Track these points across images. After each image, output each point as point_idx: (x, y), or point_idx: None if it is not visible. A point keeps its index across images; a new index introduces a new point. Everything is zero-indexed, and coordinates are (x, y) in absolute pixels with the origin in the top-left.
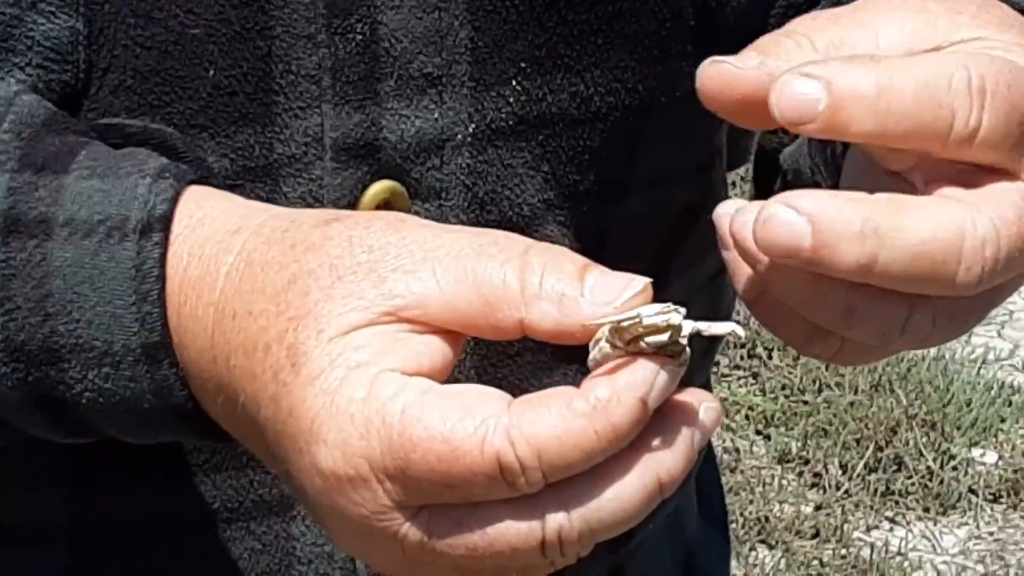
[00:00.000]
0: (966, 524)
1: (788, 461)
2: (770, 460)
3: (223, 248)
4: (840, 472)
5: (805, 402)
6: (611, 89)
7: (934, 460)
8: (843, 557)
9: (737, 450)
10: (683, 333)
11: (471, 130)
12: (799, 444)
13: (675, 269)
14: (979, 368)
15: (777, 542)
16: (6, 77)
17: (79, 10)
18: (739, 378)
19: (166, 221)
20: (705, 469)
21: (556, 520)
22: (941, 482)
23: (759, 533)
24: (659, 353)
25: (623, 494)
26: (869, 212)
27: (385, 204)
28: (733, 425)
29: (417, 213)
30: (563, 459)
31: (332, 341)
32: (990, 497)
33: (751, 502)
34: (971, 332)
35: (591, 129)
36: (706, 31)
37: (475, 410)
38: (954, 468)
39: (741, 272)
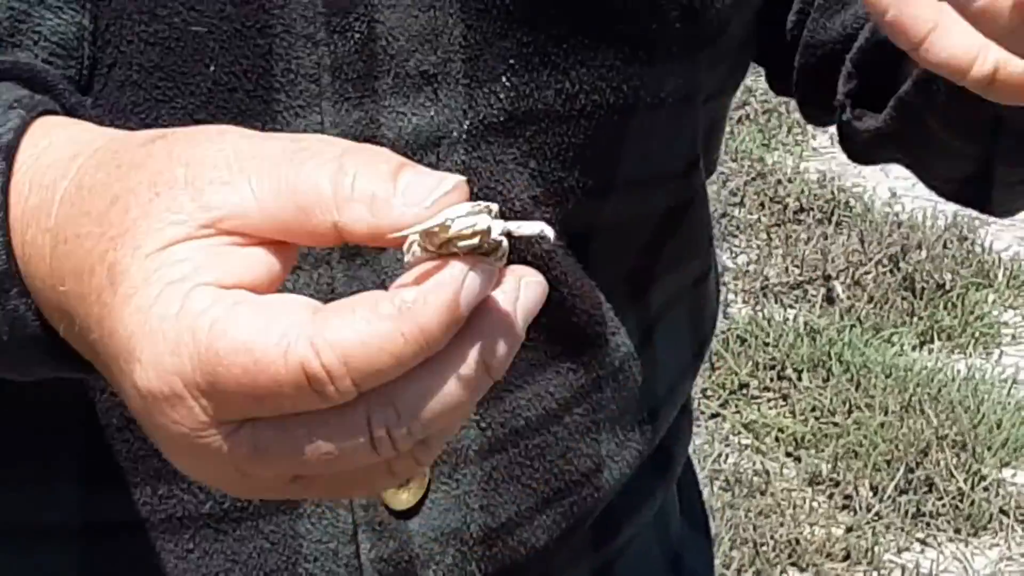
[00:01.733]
0: (997, 545)
1: (818, 483)
2: (800, 482)
3: (60, 174)
4: (871, 494)
5: (835, 423)
6: (596, 87)
7: (965, 481)
8: None
9: (767, 472)
10: (492, 236)
11: (465, 126)
12: (829, 466)
13: (660, 270)
14: (1010, 388)
15: (808, 565)
16: None
17: (85, 6)
18: (769, 400)
19: (10, 150)
20: (684, 472)
21: (382, 415)
22: (972, 503)
23: (790, 556)
24: (472, 253)
25: (448, 379)
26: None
27: None
28: (763, 447)
29: None
30: (371, 365)
31: (149, 257)
32: (1022, 518)
33: (781, 524)
34: (1002, 352)
35: (576, 126)
36: (691, 32)
37: (279, 319)
38: (985, 489)
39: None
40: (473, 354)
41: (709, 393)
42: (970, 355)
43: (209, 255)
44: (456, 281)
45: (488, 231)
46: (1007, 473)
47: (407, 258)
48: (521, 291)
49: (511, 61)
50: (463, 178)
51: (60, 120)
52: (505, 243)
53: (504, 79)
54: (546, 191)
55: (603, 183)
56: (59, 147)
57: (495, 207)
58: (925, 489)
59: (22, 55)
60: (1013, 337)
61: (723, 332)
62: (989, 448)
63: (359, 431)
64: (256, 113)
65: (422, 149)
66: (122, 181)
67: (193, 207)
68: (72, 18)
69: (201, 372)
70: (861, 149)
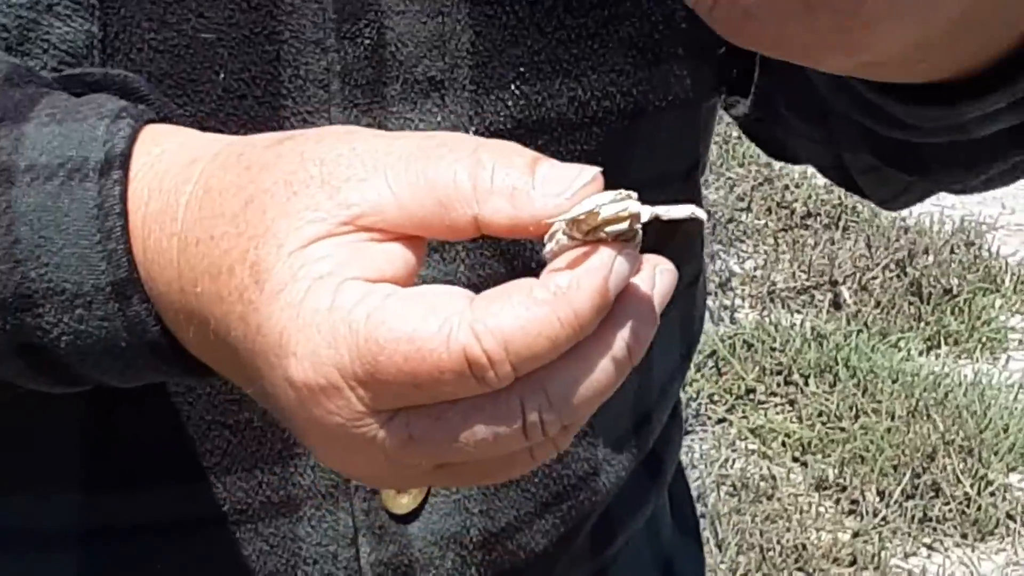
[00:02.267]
0: (1004, 550)
1: (825, 488)
2: (807, 487)
3: (182, 179)
4: (877, 499)
5: (842, 429)
6: (607, 93)
7: (971, 486)
8: None
9: (774, 477)
10: (642, 220)
11: (472, 133)
12: (836, 471)
13: None
14: (1016, 393)
15: (814, 570)
16: None
17: (94, 14)
18: (776, 405)
19: (125, 159)
20: (675, 479)
21: (535, 400)
22: (979, 508)
23: (796, 561)
24: (616, 240)
25: (595, 366)
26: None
27: None
28: (770, 452)
29: None
30: (529, 349)
31: (292, 255)
32: None
33: (788, 530)
34: (1009, 357)
35: (587, 133)
36: (696, 34)
37: (439, 308)
38: (991, 494)
39: None
40: (619, 339)
41: (716, 398)
42: (977, 360)
43: (350, 251)
44: (606, 266)
45: (638, 215)
46: (1014, 478)
47: (549, 246)
48: (657, 278)
49: (521, 69)
50: (599, 169)
51: (166, 127)
52: (640, 232)
53: (513, 87)
54: None
55: (612, 188)
56: (174, 153)
57: (635, 193)
58: (932, 494)
59: (33, 63)
60: (1020, 342)
61: (730, 337)
62: (996, 453)
63: (513, 416)
64: (264, 119)
65: None
66: (255, 182)
67: (331, 204)
68: (81, 26)
69: (360, 362)
70: (758, 141)
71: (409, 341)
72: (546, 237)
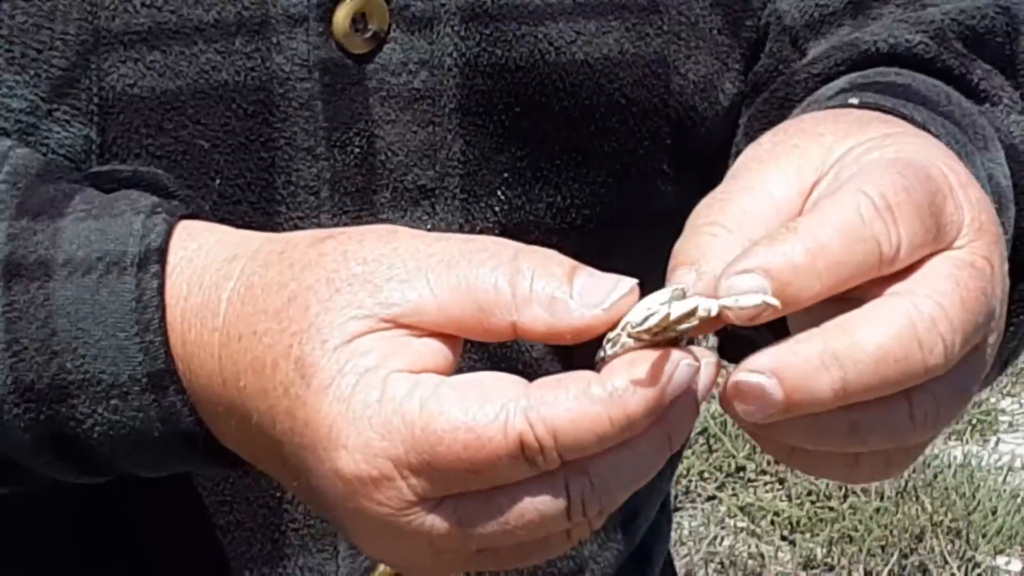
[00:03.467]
0: None
1: (813, 567)
2: (795, 566)
3: (222, 275)
4: None
5: (831, 508)
6: (587, 202)
7: (959, 568)
8: None
9: (762, 555)
10: (712, 313)
11: None
12: (824, 550)
13: None
14: (1005, 475)
15: None
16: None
17: (93, 120)
18: (765, 483)
19: (162, 253)
20: (664, 569)
21: (579, 484)
22: None
23: None
24: (681, 339)
25: (638, 454)
26: (822, 343)
27: None
28: (758, 531)
29: None
30: (577, 442)
31: (337, 350)
32: None
33: None
34: (998, 439)
35: (567, 238)
36: (682, 150)
37: (493, 396)
38: None
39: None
40: (662, 433)
41: (706, 475)
42: (967, 442)
43: (393, 344)
44: (667, 375)
45: (709, 311)
46: (1001, 560)
47: (610, 350)
48: (703, 370)
49: (505, 175)
50: (636, 281)
51: (201, 224)
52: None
53: (499, 193)
54: None
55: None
56: (211, 249)
57: (681, 288)
58: (919, 575)
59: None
60: (1010, 424)
61: (721, 414)
62: (984, 535)
63: (558, 498)
64: (258, 225)
65: None
66: (297, 280)
67: (373, 303)
68: (80, 131)
69: (416, 452)
70: None
71: (468, 430)
72: (606, 341)
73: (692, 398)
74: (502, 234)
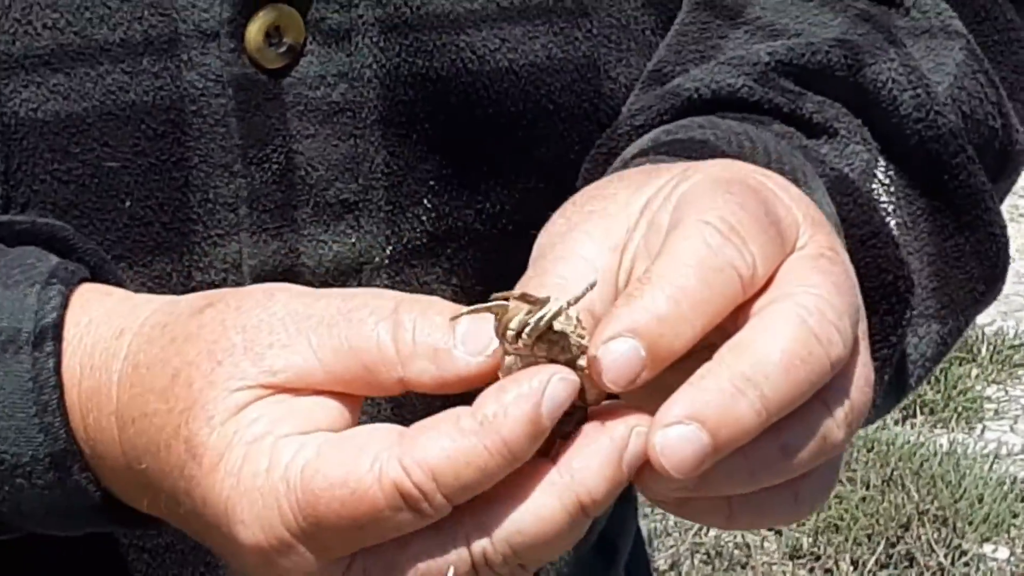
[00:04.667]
0: None
1: (799, 557)
2: (781, 556)
3: (111, 354)
4: (851, 568)
5: None
6: (517, 207)
7: (945, 556)
8: None
9: (748, 545)
10: (557, 313)
11: (388, 252)
12: (810, 540)
13: None
14: (991, 463)
15: None
16: None
17: None
18: None
19: (57, 329)
20: (634, 556)
21: (480, 544)
22: None
23: None
24: (560, 349)
25: (542, 513)
26: (728, 369)
27: None
28: None
29: None
30: (458, 479)
31: (225, 424)
32: None
33: None
34: (984, 427)
35: (498, 244)
36: (612, 154)
37: (367, 448)
38: (966, 564)
39: None
40: (567, 488)
41: None
42: (952, 430)
43: (282, 409)
44: (536, 392)
45: (555, 314)
46: (988, 548)
47: (501, 376)
48: (632, 439)
49: (431, 183)
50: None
51: (94, 292)
52: (583, 340)
53: (426, 201)
54: (470, 303)
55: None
56: (100, 324)
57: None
58: (906, 564)
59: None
60: (996, 412)
61: None
62: (970, 523)
63: (460, 549)
64: (173, 245)
65: (343, 276)
66: (180, 355)
67: (255, 371)
68: None
69: (303, 516)
70: None
71: (343, 485)
72: (500, 372)
73: (604, 459)
74: (430, 242)
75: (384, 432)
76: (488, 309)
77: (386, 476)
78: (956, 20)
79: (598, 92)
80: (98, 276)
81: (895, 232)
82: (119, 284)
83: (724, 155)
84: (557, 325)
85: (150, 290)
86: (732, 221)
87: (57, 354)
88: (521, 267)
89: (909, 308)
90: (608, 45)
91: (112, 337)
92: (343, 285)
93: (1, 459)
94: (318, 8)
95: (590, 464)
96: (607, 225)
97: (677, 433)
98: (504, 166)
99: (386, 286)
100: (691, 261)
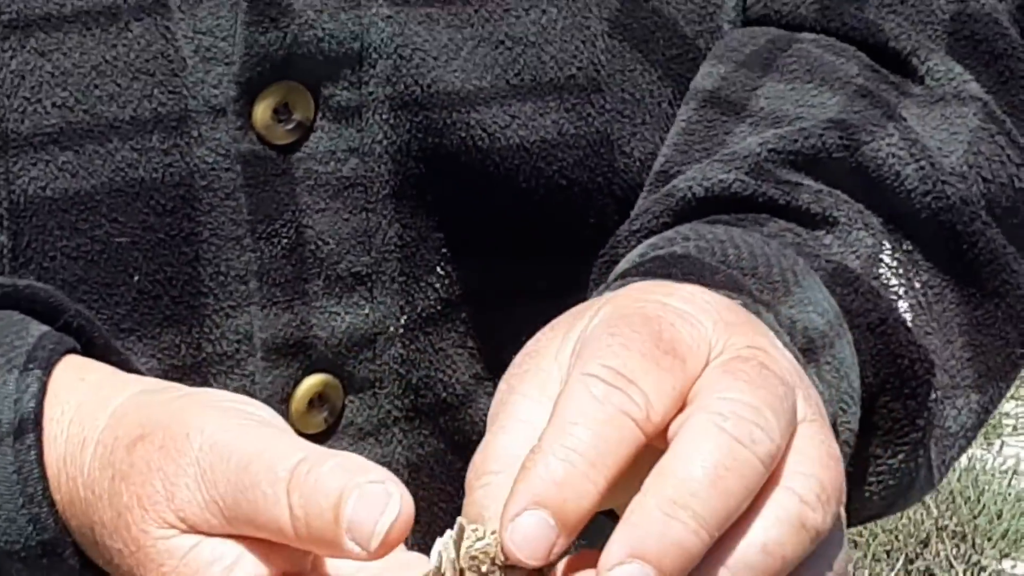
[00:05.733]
0: None
1: None
2: None
3: (77, 468)
4: None
5: None
6: (531, 273)
7: (964, 572)
8: None
9: None
10: (494, 535)
11: (403, 321)
12: None
13: None
14: (1010, 479)
15: None
16: None
17: (3, 224)
18: None
19: (37, 418)
20: None
21: None
22: None
23: None
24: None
25: None
26: (653, 498)
27: (319, 397)
28: None
29: (352, 404)
30: None
31: (177, 572)
32: None
33: None
34: (1003, 443)
35: (512, 306)
36: (613, 262)
37: None
38: None
39: None
40: None
41: None
42: (971, 446)
43: (235, 549)
44: None
45: (494, 532)
46: (1007, 564)
47: None
48: None
49: (444, 251)
50: (405, 508)
51: (70, 377)
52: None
53: (439, 268)
54: (487, 367)
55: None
56: (72, 424)
57: (464, 522)
58: None
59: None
60: (1014, 428)
61: None
62: (989, 539)
63: None
64: (182, 318)
65: (357, 346)
66: (117, 494)
67: (175, 519)
68: None
69: None
70: None
71: None
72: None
73: None
74: (444, 308)
75: None
76: None
77: None
78: (972, 84)
79: (612, 167)
80: (82, 336)
81: (907, 316)
82: (105, 343)
83: (705, 267)
84: (464, 547)
85: (159, 361)
86: (615, 365)
87: (39, 446)
88: (535, 328)
89: (932, 389)
90: (622, 120)
91: (78, 447)
92: (358, 354)
93: None
94: (327, 86)
95: None
96: (541, 381)
97: (623, 573)
98: (517, 237)
99: (401, 355)
100: (578, 419)
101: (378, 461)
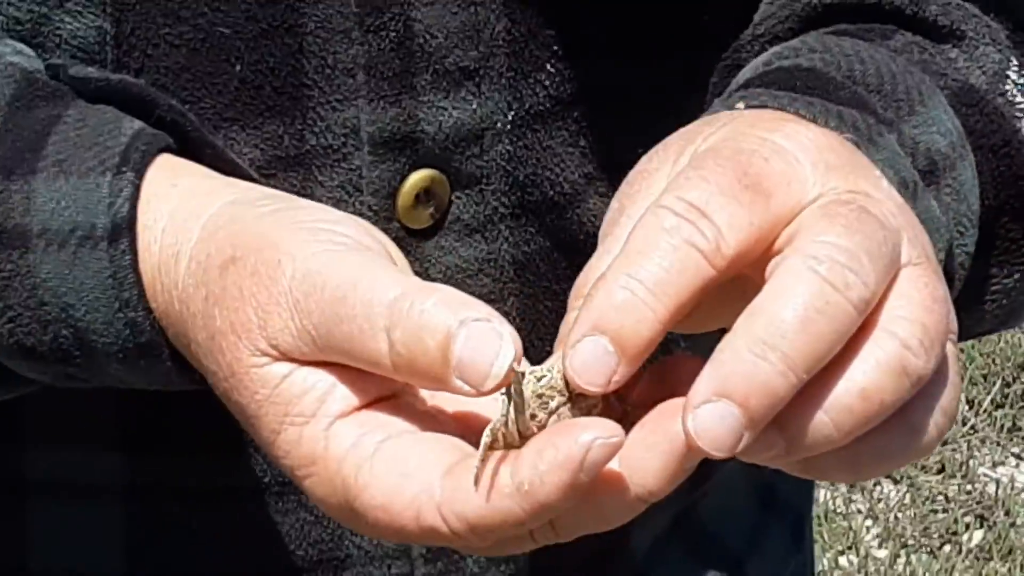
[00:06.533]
0: None
1: None
2: None
3: (171, 280)
4: (966, 408)
5: None
6: (645, 72)
7: None
8: (968, 492)
9: None
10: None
11: (510, 117)
12: None
13: None
14: None
15: (902, 477)
16: None
17: (106, 10)
18: None
19: (131, 223)
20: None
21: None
22: None
23: None
24: (554, 391)
25: (604, 508)
26: (743, 338)
27: (425, 192)
28: None
29: (458, 199)
30: (494, 533)
31: (268, 402)
32: None
33: None
34: None
35: (626, 103)
36: (736, 66)
37: (411, 481)
38: None
39: None
40: (632, 490)
41: None
42: None
43: (324, 382)
44: (574, 461)
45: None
46: None
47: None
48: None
49: (555, 48)
50: (517, 347)
51: (162, 183)
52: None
53: (548, 66)
54: (599, 166)
55: None
56: (166, 233)
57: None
58: (1021, 404)
59: (47, 57)
60: None
61: None
62: None
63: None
64: (285, 109)
65: (464, 142)
66: (211, 317)
67: (268, 347)
68: (92, 22)
69: (353, 511)
70: None
71: (384, 510)
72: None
73: (667, 454)
74: (554, 106)
75: (434, 462)
76: (489, 448)
77: (423, 519)
78: None
79: None
80: (176, 131)
81: None
82: (199, 136)
83: (830, 82)
84: (530, 390)
85: (262, 152)
86: (690, 198)
87: (133, 251)
88: (653, 125)
89: None
90: None
91: (171, 259)
92: (465, 150)
93: (95, 347)
94: None
95: (652, 460)
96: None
97: (707, 412)
98: (629, 37)
99: (508, 151)
100: (643, 248)
101: (484, 258)
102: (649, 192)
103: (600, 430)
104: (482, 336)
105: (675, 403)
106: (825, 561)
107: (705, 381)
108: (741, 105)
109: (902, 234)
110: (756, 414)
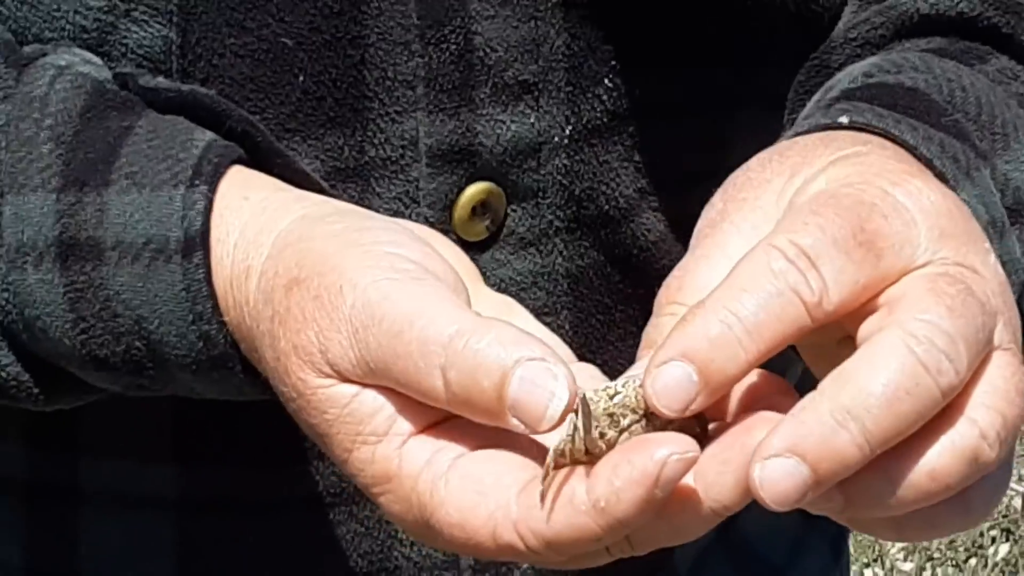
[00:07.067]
0: None
1: None
2: None
3: (243, 295)
4: None
5: None
6: (701, 87)
7: None
8: None
9: None
10: (635, 396)
11: (568, 132)
12: None
13: None
14: None
15: None
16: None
17: (172, 20)
18: None
19: (204, 237)
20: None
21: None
22: None
23: None
24: (627, 410)
25: (678, 523)
26: (828, 402)
27: (481, 205)
28: None
29: (514, 212)
30: (573, 550)
31: (340, 420)
32: None
33: None
34: None
35: (681, 120)
36: (802, 39)
37: (487, 498)
38: None
39: None
40: (707, 505)
41: None
42: None
43: (395, 398)
44: (650, 477)
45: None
46: None
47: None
48: (767, 460)
49: (613, 63)
50: (572, 388)
51: (233, 197)
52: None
53: (606, 80)
54: (652, 182)
55: (710, 173)
56: (235, 250)
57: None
58: None
59: (113, 66)
60: None
61: None
62: None
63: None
64: (346, 120)
65: (521, 155)
66: (276, 338)
67: (330, 370)
68: (158, 32)
69: (429, 528)
70: None
71: (460, 528)
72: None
73: (740, 468)
74: (611, 120)
75: (507, 482)
76: (556, 465)
77: (501, 537)
78: None
79: None
80: (246, 141)
81: None
82: (268, 146)
83: (933, 106)
84: (600, 408)
85: (323, 163)
86: (803, 244)
87: (206, 265)
88: (707, 143)
89: None
90: None
91: (243, 274)
92: (522, 164)
93: (168, 358)
94: None
95: (726, 474)
96: (757, 218)
97: (776, 465)
98: (687, 49)
99: (564, 165)
100: (749, 286)
101: (538, 271)
102: (756, 204)
103: (675, 445)
104: (536, 377)
105: (752, 420)
106: (851, 574)
107: (781, 435)
108: (844, 120)
109: (998, 318)
110: (823, 478)
